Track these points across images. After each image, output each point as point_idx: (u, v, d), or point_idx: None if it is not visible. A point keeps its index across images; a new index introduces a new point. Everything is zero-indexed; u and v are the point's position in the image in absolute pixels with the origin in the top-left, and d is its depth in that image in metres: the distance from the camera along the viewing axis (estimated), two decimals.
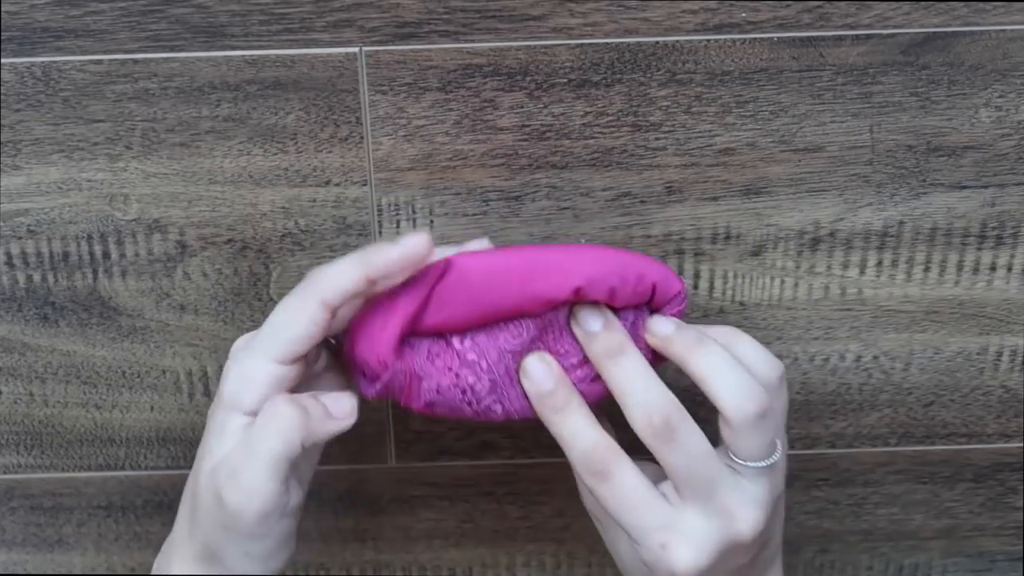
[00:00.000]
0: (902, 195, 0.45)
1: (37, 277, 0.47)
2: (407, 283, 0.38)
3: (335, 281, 0.39)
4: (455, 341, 0.39)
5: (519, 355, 0.40)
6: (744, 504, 0.39)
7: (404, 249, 0.38)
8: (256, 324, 0.48)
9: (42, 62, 0.43)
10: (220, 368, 0.49)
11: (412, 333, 0.39)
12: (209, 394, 0.49)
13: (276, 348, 0.39)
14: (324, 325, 0.39)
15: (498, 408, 0.40)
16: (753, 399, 0.39)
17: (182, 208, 0.46)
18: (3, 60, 0.43)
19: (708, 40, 0.43)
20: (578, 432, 0.40)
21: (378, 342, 0.38)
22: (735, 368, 0.39)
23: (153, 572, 0.43)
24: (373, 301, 0.39)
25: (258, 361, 0.39)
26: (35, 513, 0.53)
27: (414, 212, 0.46)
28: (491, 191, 0.45)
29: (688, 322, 0.48)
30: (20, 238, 0.46)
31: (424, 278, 0.38)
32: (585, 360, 0.40)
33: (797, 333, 0.48)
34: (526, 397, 0.40)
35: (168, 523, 0.53)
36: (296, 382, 0.40)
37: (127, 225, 0.46)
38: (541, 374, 0.40)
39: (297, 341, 0.39)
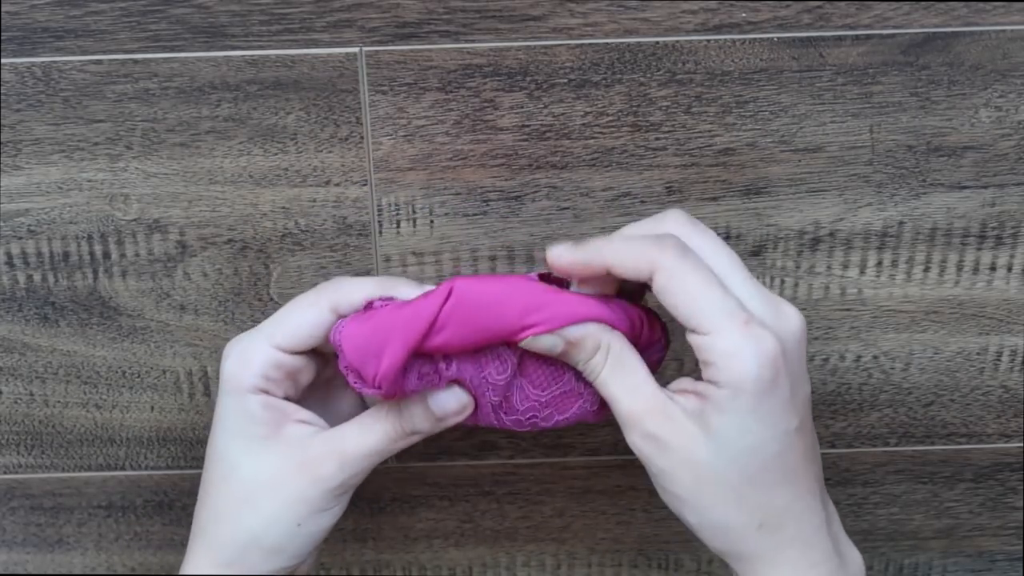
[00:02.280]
0: (902, 195, 0.45)
1: (37, 277, 0.47)
2: (412, 306, 0.38)
3: (351, 294, 0.40)
4: (442, 366, 0.40)
5: (501, 390, 0.40)
6: (780, 301, 0.39)
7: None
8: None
9: (42, 62, 0.43)
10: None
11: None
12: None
13: (278, 334, 0.41)
14: (327, 328, 0.40)
15: (472, 423, 0.42)
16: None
17: (182, 208, 0.46)
18: (3, 60, 0.43)
19: (708, 40, 0.43)
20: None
21: (380, 364, 0.38)
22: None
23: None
24: (374, 314, 0.39)
25: (258, 343, 0.41)
26: (35, 513, 0.53)
27: (414, 212, 0.46)
28: (491, 191, 0.45)
29: None
30: (20, 238, 0.46)
31: (428, 303, 0.38)
32: (560, 393, 0.41)
33: None
34: (504, 422, 0.41)
35: (168, 523, 0.53)
36: (297, 375, 0.42)
37: (127, 225, 0.46)
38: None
39: (298, 334, 0.41)
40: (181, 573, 0.42)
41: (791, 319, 0.38)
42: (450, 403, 0.40)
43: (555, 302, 0.39)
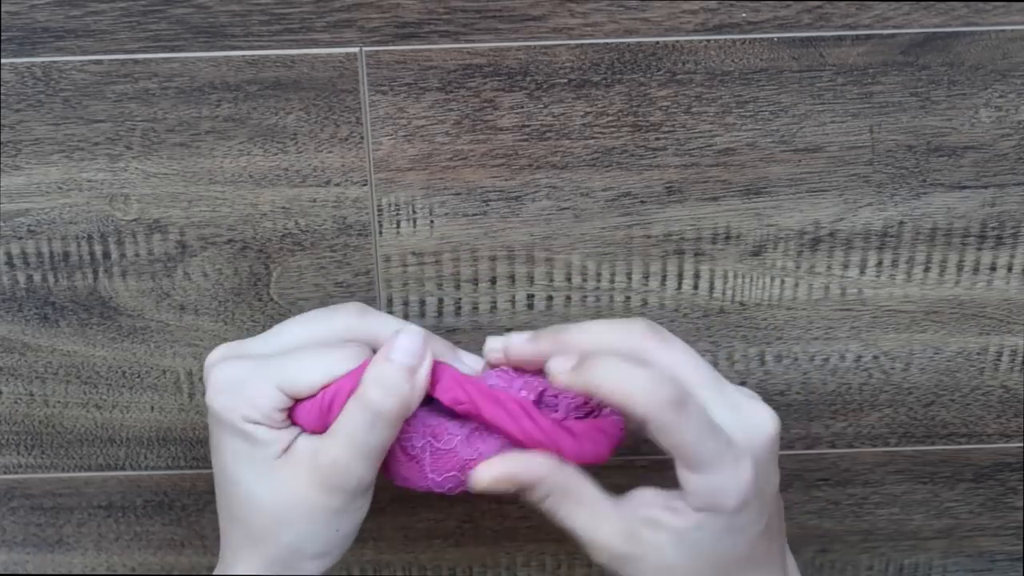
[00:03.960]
0: (902, 195, 0.45)
1: (37, 277, 0.47)
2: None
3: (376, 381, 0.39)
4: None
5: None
6: (752, 404, 0.40)
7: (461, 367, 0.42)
8: (256, 324, 0.48)
9: (42, 62, 0.43)
10: None
11: None
12: None
13: (287, 381, 0.40)
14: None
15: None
16: (662, 385, 0.37)
17: (182, 208, 0.46)
18: (3, 60, 0.43)
19: (708, 40, 0.43)
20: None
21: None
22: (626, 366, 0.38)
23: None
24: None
25: (262, 382, 0.40)
26: (35, 513, 0.53)
27: (414, 212, 0.46)
28: (491, 191, 0.45)
29: (686, 323, 0.48)
30: (20, 238, 0.46)
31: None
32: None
33: (797, 333, 0.48)
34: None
35: (168, 523, 0.53)
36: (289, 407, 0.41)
37: (127, 225, 0.46)
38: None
39: (312, 386, 0.40)
40: (230, 574, 0.42)
41: (763, 426, 0.39)
42: (413, 344, 0.39)
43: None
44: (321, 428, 0.40)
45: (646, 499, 0.40)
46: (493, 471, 0.39)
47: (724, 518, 0.38)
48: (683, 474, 0.38)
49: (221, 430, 0.40)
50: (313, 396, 0.40)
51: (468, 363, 0.43)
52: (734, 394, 0.40)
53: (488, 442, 0.40)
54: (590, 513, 0.39)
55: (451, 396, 0.39)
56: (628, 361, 0.38)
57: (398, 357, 0.39)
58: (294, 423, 0.40)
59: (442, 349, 0.42)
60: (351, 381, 0.39)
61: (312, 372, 0.40)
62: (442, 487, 0.41)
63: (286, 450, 0.40)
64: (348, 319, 0.42)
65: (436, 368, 0.40)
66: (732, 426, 0.39)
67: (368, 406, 0.39)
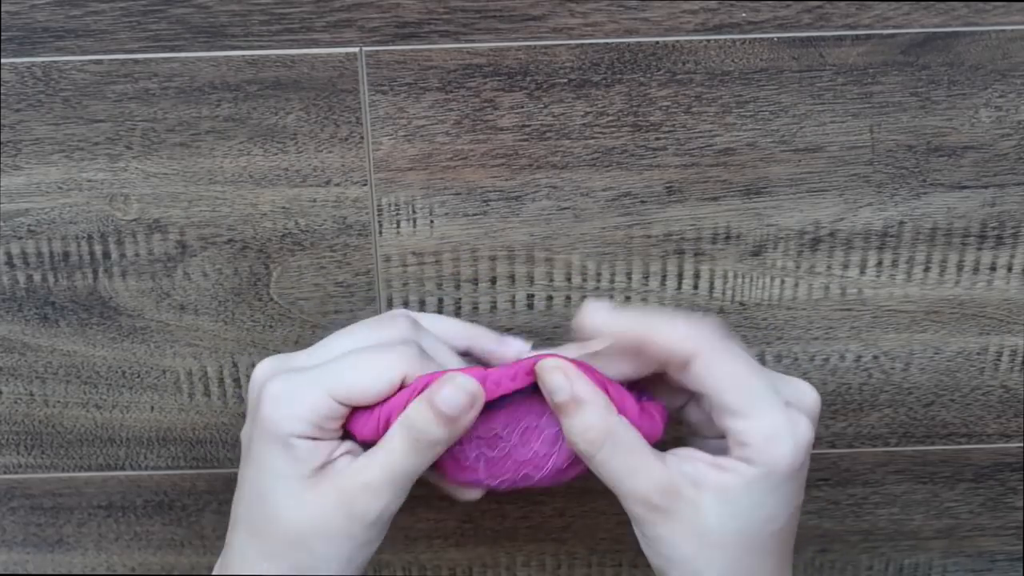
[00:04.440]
0: (902, 195, 0.45)
1: (37, 277, 0.47)
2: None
3: (425, 370, 0.39)
4: None
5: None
6: (795, 379, 0.40)
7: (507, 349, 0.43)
8: (256, 324, 0.48)
9: (42, 62, 0.43)
10: (220, 368, 0.49)
11: None
12: (210, 394, 0.49)
13: (341, 388, 0.39)
14: (395, 391, 0.39)
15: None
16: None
17: (182, 208, 0.46)
18: (3, 60, 0.43)
19: (708, 40, 0.43)
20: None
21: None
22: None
23: None
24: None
25: (314, 391, 0.39)
26: (35, 513, 0.53)
27: (414, 212, 0.46)
28: (491, 191, 0.45)
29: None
30: (20, 238, 0.46)
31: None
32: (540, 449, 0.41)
33: (797, 333, 0.48)
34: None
35: (168, 523, 0.53)
36: (342, 417, 0.40)
37: (127, 225, 0.46)
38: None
39: (365, 394, 0.39)
40: None
41: (809, 393, 0.40)
42: (456, 397, 0.38)
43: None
44: (375, 440, 0.40)
45: (693, 455, 0.39)
46: (560, 362, 0.38)
47: (775, 479, 0.37)
48: (733, 423, 0.37)
49: (264, 443, 0.39)
50: (370, 408, 0.39)
51: (515, 347, 0.43)
52: (777, 373, 0.40)
53: (543, 439, 0.40)
54: (632, 460, 0.38)
55: (512, 372, 0.39)
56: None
57: (442, 407, 0.38)
58: (350, 433, 0.40)
59: (487, 340, 0.43)
60: (408, 396, 0.39)
61: (366, 377, 0.39)
62: (499, 487, 0.41)
63: (321, 468, 0.39)
64: (402, 332, 0.41)
65: (487, 374, 0.39)
66: (785, 391, 0.39)
67: (406, 438, 0.38)
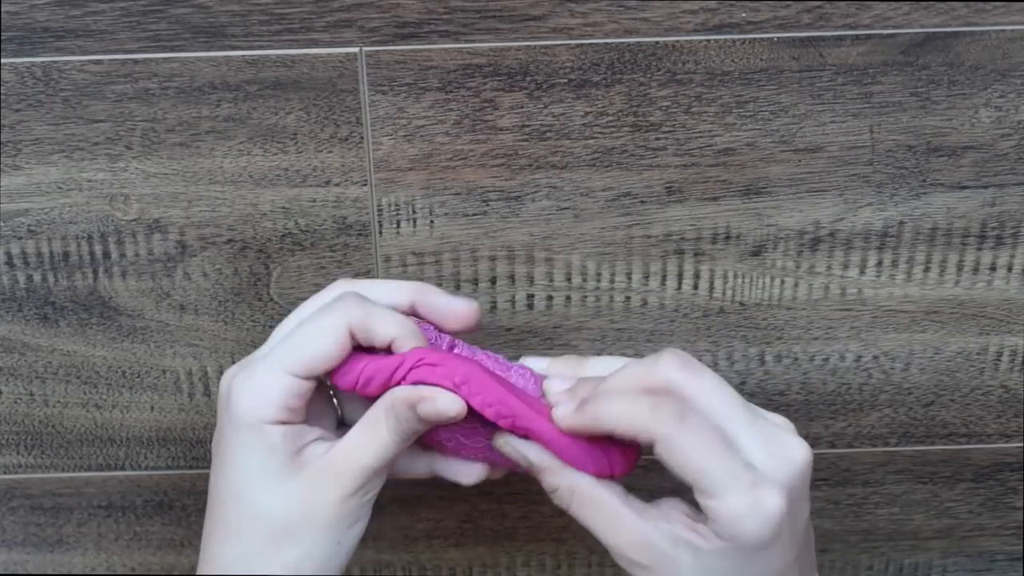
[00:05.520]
0: (902, 195, 0.45)
1: (37, 277, 0.47)
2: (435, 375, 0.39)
3: (373, 320, 0.39)
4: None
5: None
6: (784, 434, 0.39)
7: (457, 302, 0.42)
8: (256, 324, 0.48)
9: (42, 62, 0.43)
10: (220, 368, 0.49)
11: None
12: (210, 394, 0.49)
13: (295, 362, 0.39)
14: (347, 348, 0.39)
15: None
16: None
17: (182, 208, 0.46)
18: (3, 60, 0.43)
19: (708, 40, 0.43)
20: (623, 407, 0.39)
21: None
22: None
23: None
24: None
25: (272, 372, 0.39)
26: (35, 513, 0.53)
27: (414, 212, 0.46)
28: (491, 191, 0.45)
29: (687, 323, 0.48)
30: (20, 238, 0.46)
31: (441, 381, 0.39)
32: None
33: (797, 333, 0.48)
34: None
35: (168, 523, 0.53)
36: (309, 397, 0.40)
37: (127, 225, 0.46)
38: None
39: (316, 361, 0.39)
40: None
41: (796, 457, 0.38)
42: (436, 415, 0.39)
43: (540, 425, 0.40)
44: (355, 390, 0.40)
45: (672, 513, 0.39)
46: (511, 445, 0.40)
47: (747, 551, 0.37)
48: (700, 499, 0.37)
49: (237, 437, 0.40)
50: (348, 368, 0.40)
51: (464, 303, 0.42)
52: (766, 425, 0.39)
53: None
54: (604, 515, 0.39)
55: (494, 411, 0.39)
56: (629, 392, 0.38)
57: (425, 416, 0.39)
58: (333, 384, 0.40)
59: (437, 293, 0.42)
60: (389, 368, 0.39)
61: (314, 342, 0.39)
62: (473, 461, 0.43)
63: (296, 455, 0.39)
64: (340, 290, 0.41)
65: (472, 377, 0.39)
66: (762, 457, 0.38)
67: (391, 426, 0.39)
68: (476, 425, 0.41)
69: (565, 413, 0.39)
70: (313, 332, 0.39)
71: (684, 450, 0.37)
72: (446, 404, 0.39)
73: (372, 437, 0.40)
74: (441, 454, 0.43)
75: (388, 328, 0.39)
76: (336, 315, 0.39)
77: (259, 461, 0.39)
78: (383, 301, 0.41)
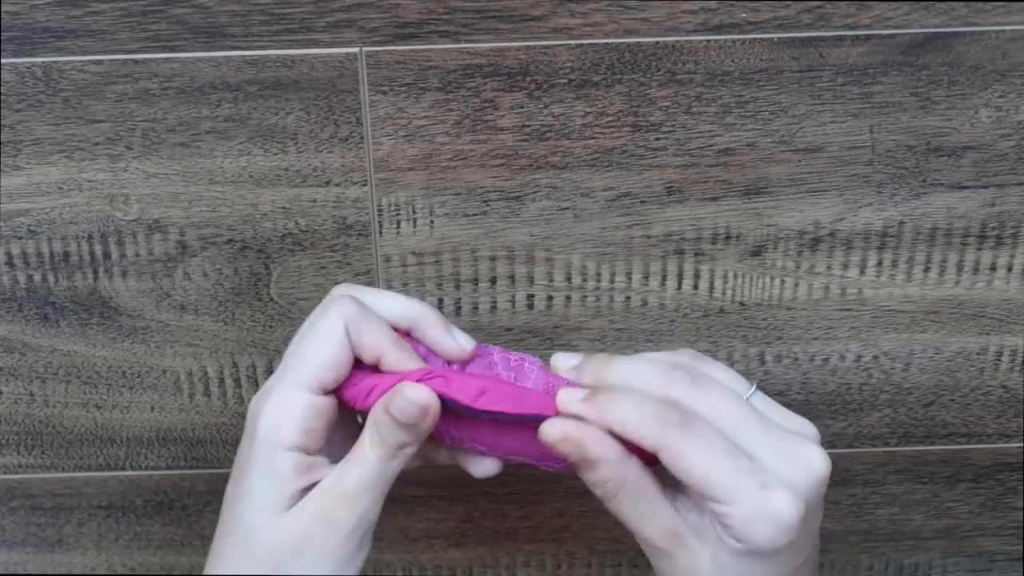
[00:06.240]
0: (902, 195, 0.45)
1: (37, 277, 0.47)
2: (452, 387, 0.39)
3: (369, 325, 0.39)
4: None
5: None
6: (801, 443, 0.38)
7: (452, 342, 0.40)
8: (256, 324, 0.48)
9: (43, 62, 0.43)
10: (220, 368, 0.49)
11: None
12: (210, 394, 0.49)
13: (304, 375, 0.39)
14: (348, 348, 0.39)
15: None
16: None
17: (182, 208, 0.46)
18: (4, 60, 0.43)
19: (708, 40, 0.43)
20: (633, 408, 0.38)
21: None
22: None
23: None
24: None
25: (291, 392, 0.39)
26: (35, 513, 0.53)
27: (414, 212, 0.46)
28: (491, 191, 0.45)
29: (686, 323, 0.48)
30: (21, 238, 0.46)
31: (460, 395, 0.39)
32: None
33: (797, 333, 0.48)
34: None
35: (168, 523, 0.53)
36: (331, 420, 0.39)
37: (127, 225, 0.46)
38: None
39: (324, 366, 0.38)
40: None
41: (813, 466, 0.38)
42: (407, 409, 0.38)
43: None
44: (360, 406, 0.40)
45: (703, 504, 0.38)
46: (565, 429, 0.38)
47: (761, 555, 0.37)
48: (712, 505, 0.37)
49: (251, 460, 0.39)
50: (360, 377, 0.39)
51: (461, 342, 0.41)
52: (782, 433, 0.38)
53: (514, 436, 0.40)
54: (643, 504, 0.38)
55: (500, 407, 0.39)
56: (637, 392, 0.38)
57: (399, 415, 0.38)
58: (342, 400, 0.40)
59: (434, 328, 0.41)
60: (391, 380, 0.39)
61: (317, 349, 0.39)
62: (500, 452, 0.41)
63: (305, 490, 0.39)
64: (337, 293, 0.41)
65: (489, 387, 0.39)
66: (777, 465, 0.37)
67: (376, 441, 0.38)
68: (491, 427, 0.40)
69: (571, 400, 0.39)
70: (314, 340, 0.39)
71: (689, 459, 0.37)
72: (413, 393, 0.38)
73: (355, 455, 0.39)
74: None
75: (378, 338, 0.39)
76: (331, 316, 0.39)
77: (264, 488, 0.39)
78: (383, 313, 0.41)
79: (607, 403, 0.38)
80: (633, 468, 0.38)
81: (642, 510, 0.38)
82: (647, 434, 0.37)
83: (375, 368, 0.40)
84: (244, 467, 0.39)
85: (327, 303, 0.40)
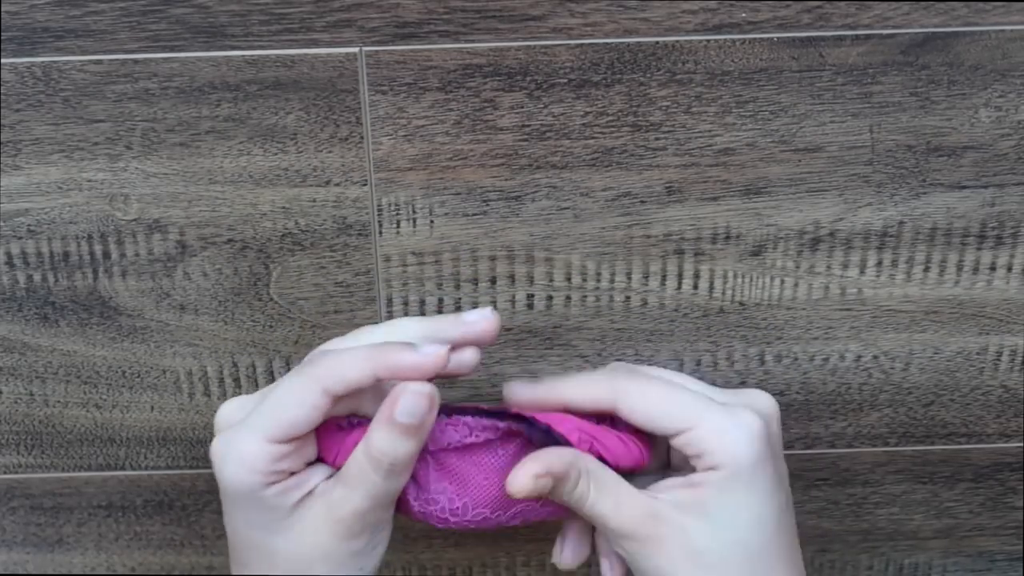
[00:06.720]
0: (902, 195, 0.45)
1: (37, 277, 0.47)
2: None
3: (341, 373, 0.38)
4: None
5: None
6: (746, 391, 0.41)
7: (420, 358, 0.38)
8: (256, 324, 0.48)
9: (42, 62, 0.43)
10: (220, 368, 0.49)
11: None
12: (210, 394, 0.49)
13: (273, 428, 0.38)
14: (325, 411, 0.39)
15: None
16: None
17: (182, 208, 0.46)
18: (3, 60, 0.43)
19: (708, 40, 0.43)
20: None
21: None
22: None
23: None
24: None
25: (253, 442, 0.39)
26: (35, 513, 0.53)
27: (414, 212, 0.46)
28: (491, 191, 0.45)
29: (686, 323, 0.48)
30: (20, 238, 0.46)
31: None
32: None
33: (797, 333, 0.48)
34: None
35: (168, 523, 0.53)
36: (302, 448, 0.40)
37: (127, 225, 0.46)
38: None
39: (295, 425, 0.38)
40: None
41: (764, 402, 0.40)
42: (415, 404, 0.37)
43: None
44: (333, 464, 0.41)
45: (669, 483, 0.40)
46: (531, 470, 0.38)
47: (744, 473, 0.37)
48: (683, 440, 0.38)
49: (232, 502, 0.40)
50: (338, 435, 0.40)
51: (474, 317, 0.41)
52: (725, 390, 0.41)
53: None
54: (615, 497, 0.39)
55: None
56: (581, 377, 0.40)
57: (402, 419, 0.38)
58: (323, 460, 0.40)
59: (449, 328, 0.41)
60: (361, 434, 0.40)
61: (286, 409, 0.38)
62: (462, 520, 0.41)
63: (298, 504, 0.39)
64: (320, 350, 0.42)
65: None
66: (731, 400, 0.39)
67: (376, 460, 0.38)
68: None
69: (520, 387, 0.40)
70: (285, 397, 0.39)
71: (647, 397, 0.38)
72: (414, 385, 0.37)
73: (361, 485, 0.39)
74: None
75: (359, 370, 0.38)
76: (306, 374, 0.39)
77: (258, 518, 0.40)
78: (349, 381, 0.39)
79: (554, 380, 0.40)
80: (590, 459, 0.40)
81: (615, 498, 0.39)
82: (601, 389, 0.38)
83: (349, 421, 0.40)
84: (229, 508, 0.41)
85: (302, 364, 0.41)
